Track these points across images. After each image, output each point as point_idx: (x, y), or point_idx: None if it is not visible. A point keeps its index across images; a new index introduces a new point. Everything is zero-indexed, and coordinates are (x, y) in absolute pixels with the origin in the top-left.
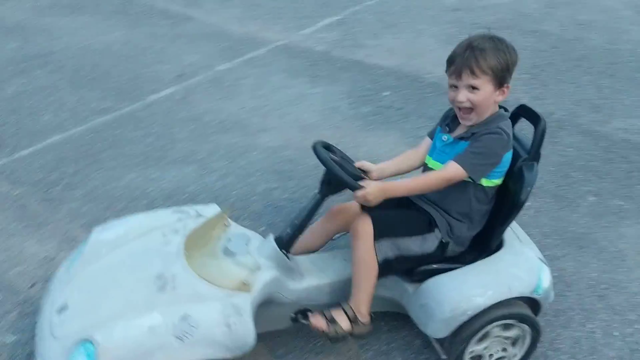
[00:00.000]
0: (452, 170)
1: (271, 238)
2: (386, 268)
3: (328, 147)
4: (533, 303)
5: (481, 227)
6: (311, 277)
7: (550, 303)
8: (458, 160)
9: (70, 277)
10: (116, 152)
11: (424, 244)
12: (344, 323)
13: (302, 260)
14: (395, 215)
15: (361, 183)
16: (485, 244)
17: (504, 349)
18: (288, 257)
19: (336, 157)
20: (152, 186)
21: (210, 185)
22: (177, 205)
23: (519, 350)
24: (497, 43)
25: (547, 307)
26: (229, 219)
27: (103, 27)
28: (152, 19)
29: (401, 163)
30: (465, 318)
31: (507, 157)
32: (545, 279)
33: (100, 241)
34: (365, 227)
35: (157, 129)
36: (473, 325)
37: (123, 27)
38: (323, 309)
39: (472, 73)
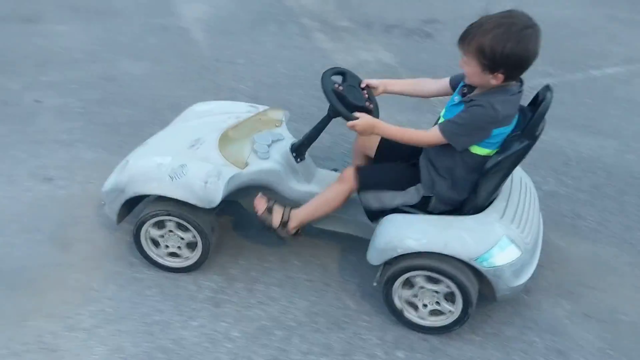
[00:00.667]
0: (433, 136)
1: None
2: (369, 214)
3: (343, 73)
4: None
5: (466, 193)
6: (312, 186)
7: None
8: (442, 126)
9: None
10: None
11: (406, 196)
12: (275, 219)
13: (313, 170)
14: (384, 169)
15: (356, 114)
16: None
17: (437, 303)
18: (297, 161)
19: (342, 86)
20: (570, 147)
21: (626, 163)
22: None
23: (455, 309)
24: (507, 28)
25: (505, 290)
26: (284, 122)
27: (562, 2)
28: (612, 1)
29: (409, 85)
30: (394, 254)
31: (500, 131)
32: (501, 257)
33: (193, 111)
34: (348, 175)
35: (591, 101)
36: (399, 264)
37: (581, 5)
38: (275, 201)
39: (462, 46)
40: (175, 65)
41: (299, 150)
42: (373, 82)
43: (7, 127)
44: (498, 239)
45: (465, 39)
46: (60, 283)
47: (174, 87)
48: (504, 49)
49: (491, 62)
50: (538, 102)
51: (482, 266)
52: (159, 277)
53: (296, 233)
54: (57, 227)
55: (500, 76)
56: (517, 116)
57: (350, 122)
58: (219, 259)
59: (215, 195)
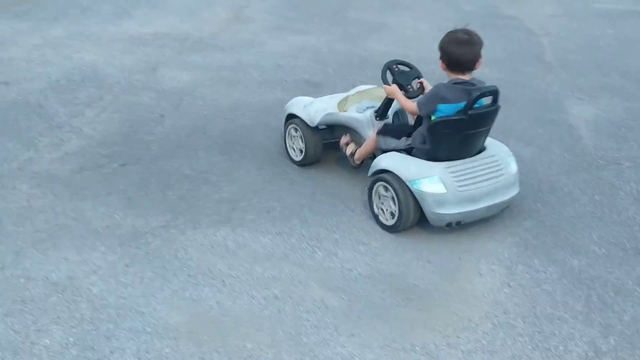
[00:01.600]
0: (414, 105)
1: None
2: (379, 152)
3: (410, 66)
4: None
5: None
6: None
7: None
8: (417, 99)
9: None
10: None
11: (399, 143)
12: (348, 151)
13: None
14: (393, 127)
15: (387, 85)
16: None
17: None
18: (376, 119)
19: (398, 69)
20: None
21: None
22: None
23: (397, 211)
24: (456, 36)
25: (430, 214)
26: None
27: None
28: None
29: None
30: (374, 169)
31: (444, 107)
32: (427, 186)
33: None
34: (373, 135)
35: None
36: (374, 176)
37: None
38: (353, 140)
39: None
40: (558, 155)
41: (378, 112)
42: (425, 83)
43: None
44: (430, 175)
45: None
46: (445, 306)
47: (559, 174)
48: (444, 44)
49: (440, 51)
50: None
51: (412, 186)
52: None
53: (361, 163)
54: (448, 261)
55: (443, 64)
56: (475, 100)
57: (384, 86)
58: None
59: (315, 118)
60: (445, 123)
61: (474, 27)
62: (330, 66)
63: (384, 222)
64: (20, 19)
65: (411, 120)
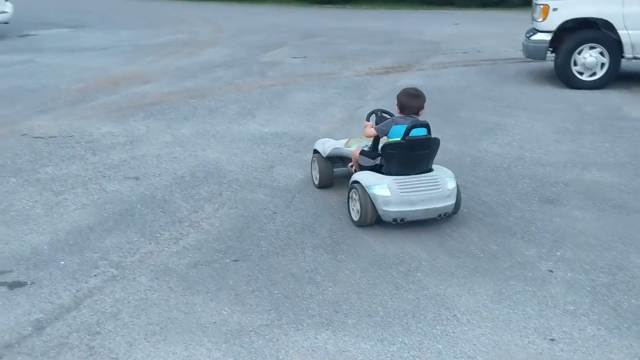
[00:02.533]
0: (372, 130)
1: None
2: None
3: (388, 112)
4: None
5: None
6: None
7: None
8: (376, 127)
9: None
10: None
11: (371, 163)
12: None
13: None
14: (369, 151)
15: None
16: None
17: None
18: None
19: (379, 114)
20: None
21: None
22: None
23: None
24: (406, 91)
25: (380, 210)
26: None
27: None
28: None
29: None
30: (352, 180)
31: (393, 130)
32: (378, 190)
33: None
34: (356, 153)
35: None
36: (351, 185)
37: None
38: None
39: None
40: None
41: (370, 147)
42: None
43: (520, 286)
44: (381, 183)
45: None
46: None
47: None
48: (399, 96)
49: (397, 99)
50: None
51: (369, 190)
52: None
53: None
54: None
55: (398, 108)
56: (410, 129)
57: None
58: None
59: (326, 150)
60: (390, 146)
61: (594, 129)
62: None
63: (354, 218)
64: (154, 118)
65: None
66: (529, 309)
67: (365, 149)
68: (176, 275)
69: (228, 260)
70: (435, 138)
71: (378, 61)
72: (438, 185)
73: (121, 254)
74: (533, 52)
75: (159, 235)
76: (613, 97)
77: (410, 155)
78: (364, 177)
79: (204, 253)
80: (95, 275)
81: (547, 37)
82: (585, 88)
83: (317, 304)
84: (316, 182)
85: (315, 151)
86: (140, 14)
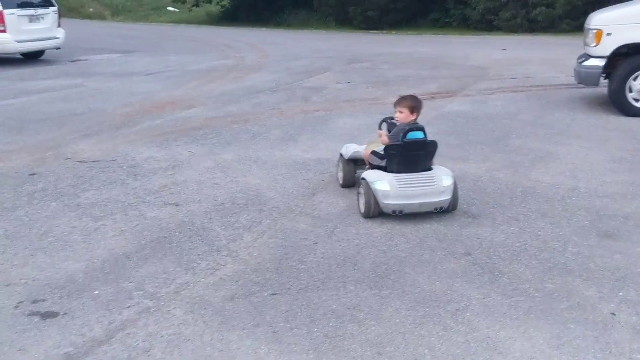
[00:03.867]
0: (385, 138)
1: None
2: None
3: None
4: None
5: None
6: None
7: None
8: (387, 135)
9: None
10: None
11: (381, 162)
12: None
13: None
14: (378, 152)
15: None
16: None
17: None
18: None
19: (389, 121)
20: None
21: None
22: None
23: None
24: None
25: (381, 203)
26: None
27: None
28: None
29: None
30: (362, 176)
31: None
32: (379, 185)
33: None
34: (367, 153)
35: None
36: (361, 180)
37: None
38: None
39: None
40: None
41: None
42: None
43: (580, 330)
44: (382, 179)
45: (397, 101)
46: None
47: None
48: (409, 101)
49: (405, 108)
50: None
51: (372, 185)
52: None
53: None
54: None
55: (406, 112)
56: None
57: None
58: None
59: (347, 153)
60: (391, 147)
61: None
62: (490, 196)
63: (361, 210)
64: (197, 143)
65: None
66: (591, 357)
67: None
68: (212, 308)
69: (266, 294)
70: (432, 141)
71: (423, 86)
72: (433, 182)
73: (156, 284)
74: (585, 78)
75: (195, 265)
76: None
77: (408, 155)
78: (369, 174)
79: (241, 285)
80: (129, 307)
81: (601, 62)
82: None
83: (359, 344)
84: (340, 182)
85: (341, 155)
86: (188, 40)
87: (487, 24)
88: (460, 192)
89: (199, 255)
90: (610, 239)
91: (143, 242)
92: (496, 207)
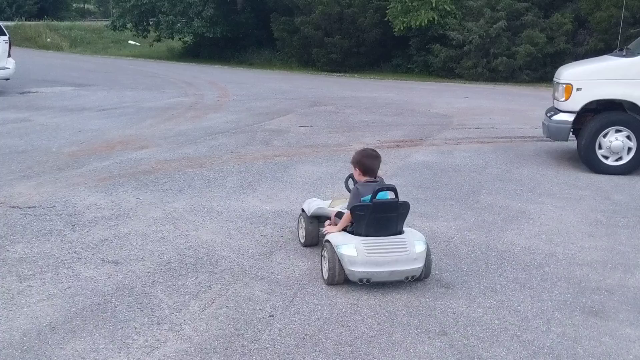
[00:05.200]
0: (348, 216)
1: None
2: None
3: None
4: None
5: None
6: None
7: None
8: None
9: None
10: None
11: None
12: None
13: None
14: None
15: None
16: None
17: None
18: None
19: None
20: None
21: None
22: None
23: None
24: (364, 151)
25: (347, 270)
26: None
27: None
28: None
29: None
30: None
31: (363, 199)
32: (344, 250)
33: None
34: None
35: None
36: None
37: None
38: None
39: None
40: None
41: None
42: None
43: None
44: (348, 243)
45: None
46: None
47: None
48: (360, 159)
49: (356, 164)
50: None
51: (337, 249)
52: None
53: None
54: None
55: (358, 171)
56: (377, 192)
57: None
58: None
59: (310, 210)
60: (359, 207)
61: (629, 222)
62: (463, 262)
63: (324, 276)
64: (147, 189)
65: None
66: None
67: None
68: None
69: None
70: (403, 202)
71: (388, 134)
72: (405, 248)
73: None
74: (555, 133)
75: (131, 341)
76: None
77: (377, 218)
78: (334, 237)
79: None
80: None
81: (570, 117)
82: (610, 173)
83: None
84: (302, 240)
85: (303, 210)
86: (146, 75)
87: (448, 72)
88: (432, 256)
89: (136, 328)
90: (596, 317)
91: (73, 309)
92: (471, 275)
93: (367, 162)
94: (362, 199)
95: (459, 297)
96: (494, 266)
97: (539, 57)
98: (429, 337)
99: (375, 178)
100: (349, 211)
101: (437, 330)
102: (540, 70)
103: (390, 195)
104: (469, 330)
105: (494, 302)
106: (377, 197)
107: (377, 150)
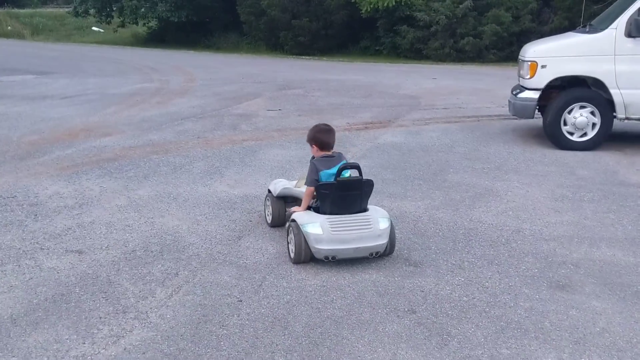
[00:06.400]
0: (308, 189)
1: None
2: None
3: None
4: None
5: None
6: None
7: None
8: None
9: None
10: None
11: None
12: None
13: None
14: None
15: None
16: None
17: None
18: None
19: None
20: None
21: None
22: None
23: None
24: (316, 127)
25: (313, 248)
26: None
27: None
28: None
29: None
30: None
31: (323, 174)
32: (310, 228)
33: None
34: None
35: None
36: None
37: None
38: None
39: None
40: None
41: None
42: None
43: None
44: (313, 222)
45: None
46: None
47: None
48: (314, 135)
49: (311, 140)
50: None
51: (303, 228)
52: None
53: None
54: None
55: (315, 147)
56: (337, 167)
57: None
58: None
59: (276, 190)
60: (323, 186)
61: (593, 196)
62: (431, 240)
63: (290, 254)
64: (111, 177)
65: None
66: None
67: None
68: None
69: None
70: (367, 179)
71: (357, 116)
72: (370, 225)
73: (45, 358)
74: (520, 111)
75: (96, 331)
76: (607, 160)
77: (342, 196)
78: (300, 216)
79: (149, 358)
80: None
81: (535, 95)
82: (575, 149)
83: None
84: (269, 221)
85: (269, 191)
86: (111, 62)
87: (416, 53)
88: (399, 235)
89: (100, 318)
90: (563, 290)
91: (35, 301)
92: (439, 253)
93: (321, 136)
94: (321, 174)
95: (427, 275)
96: (461, 244)
97: (505, 37)
98: (397, 315)
99: (331, 152)
100: (309, 187)
101: (405, 309)
102: (506, 50)
103: (353, 173)
104: (438, 307)
105: (462, 279)
106: (342, 176)
107: (347, 132)
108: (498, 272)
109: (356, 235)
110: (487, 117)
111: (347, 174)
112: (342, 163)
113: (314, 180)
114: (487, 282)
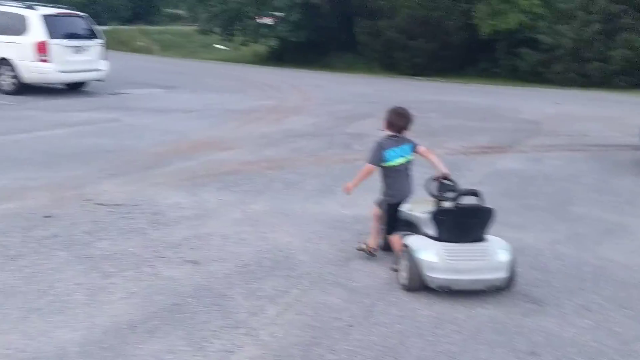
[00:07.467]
0: (367, 166)
1: None
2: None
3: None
4: None
5: (394, 192)
6: None
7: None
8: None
9: None
10: None
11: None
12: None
13: None
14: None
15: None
16: None
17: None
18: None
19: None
20: None
21: None
22: None
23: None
24: (393, 109)
25: (426, 275)
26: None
27: None
28: None
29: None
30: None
31: (388, 153)
32: (423, 254)
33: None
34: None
35: None
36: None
37: None
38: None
39: None
40: None
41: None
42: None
43: None
44: (429, 248)
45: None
46: None
47: None
48: (388, 114)
49: (384, 120)
50: None
51: (415, 254)
52: None
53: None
54: None
55: (385, 125)
56: (402, 148)
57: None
58: None
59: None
60: (441, 212)
61: None
62: (555, 276)
63: (401, 281)
64: (228, 190)
65: None
66: None
67: (427, 214)
68: None
69: None
70: (487, 208)
71: (472, 139)
72: (488, 256)
73: None
74: None
75: (208, 344)
76: None
77: (459, 223)
78: (414, 241)
79: None
80: None
81: None
82: None
83: None
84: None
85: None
86: (232, 78)
87: (536, 76)
88: (520, 269)
89: (213, 331)
90: None
91: (152, 309)
92: (563, 292)
93: (392, 117)
94: (385, 152)
95: (550, 315)
96: (588, 283)
97: (636, 62)
98: (517, 357)
99: (399, 135)
100: (368, 165)
101: (526, 350)
102: (637, 76)
103: (471, 200)
104: (562, 351)
105: (589, 322)
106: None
107: (463, 156)
108: (630, 316)
109: (473, 266)
110: (616, 146)
111: (397, 159)
112: (405, 145)
113: (375, 158)
114: (618, 327)
